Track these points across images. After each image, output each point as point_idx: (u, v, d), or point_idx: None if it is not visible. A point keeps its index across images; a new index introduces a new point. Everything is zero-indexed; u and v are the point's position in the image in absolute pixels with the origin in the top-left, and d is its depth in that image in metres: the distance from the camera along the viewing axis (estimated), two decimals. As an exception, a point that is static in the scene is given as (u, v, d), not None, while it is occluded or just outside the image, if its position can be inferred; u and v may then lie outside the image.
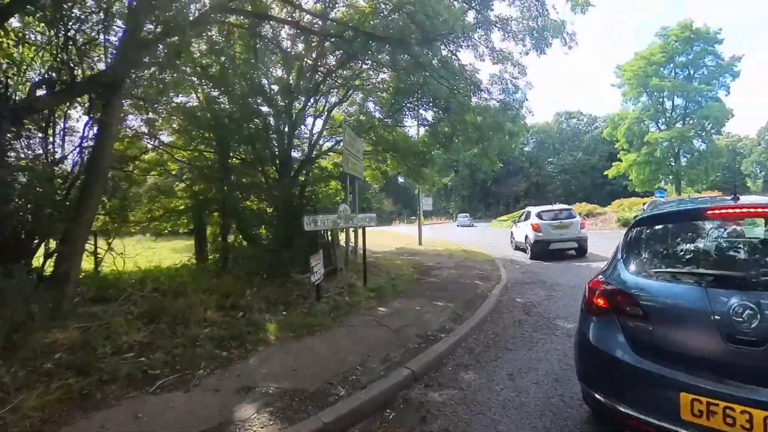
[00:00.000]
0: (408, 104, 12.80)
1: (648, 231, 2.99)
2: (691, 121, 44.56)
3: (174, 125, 9.54)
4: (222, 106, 9.32)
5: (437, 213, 67.89)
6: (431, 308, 6.37)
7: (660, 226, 3.00)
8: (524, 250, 14.33)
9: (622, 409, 2.43)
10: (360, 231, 8.36)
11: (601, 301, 2.74)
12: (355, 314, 6.04)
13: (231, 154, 9.80)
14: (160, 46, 8.24)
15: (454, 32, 7.75)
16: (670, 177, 45.77)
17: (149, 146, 9.59)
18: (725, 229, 2.89)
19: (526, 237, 13.80)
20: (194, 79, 8.77)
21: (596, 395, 2.63)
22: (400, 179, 49.01)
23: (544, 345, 4.89)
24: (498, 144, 12.37)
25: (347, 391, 3.53)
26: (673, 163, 44.95)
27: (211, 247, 9.76)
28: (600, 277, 2.93)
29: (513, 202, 66.61)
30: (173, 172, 9.98)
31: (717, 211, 2.67)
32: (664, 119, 46.79)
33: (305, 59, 10.25)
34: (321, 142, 12.46)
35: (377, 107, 13.65)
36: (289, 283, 7.43)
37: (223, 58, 8.75)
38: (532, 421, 3.18)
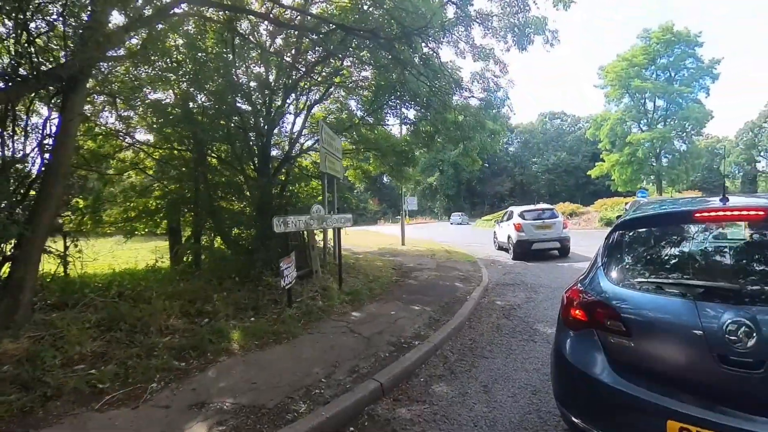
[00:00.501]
0: (389, 102, 12.57)
1: (630, 235, 2.71)
2: (672, 122, 45.41)
3: (150, 122, 9.19)
4: (199, 102, 8.99)
5: (422, 212, 67.86)
6: (407, 313, 6.14)
7: (643, 230, 2.72)
8: (507, 250, 14.24)
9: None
10: (336, 232, 8.08)
11: (579, 314, 2.50)
12: (326, 320, 5.79)
13: (208, 153, 9.47)
14: (135, 39, 7.96)
15: (433, 27, 7.54)
16: (652, 177, 46.54)
17: (125, 144, 9.22)
18: (715, 234, 2.59)
19: (509, 237, 13.75)
20: (170, 75, 8.43)
21: (573, 418, 2.39)
22: (386, 179, 48.89)
23: (522, 352, 4.70)
24: (480, 143, 12.19)
25: (308, 407, 3.28)
26: (654, 164, 45.71)
27: (184, 248, 9.42)
28: (578, 285, 2.67)
29: (498, 201, 66.91)
30: (149, 171, 9.62)
31: (706, 214, 2.39)
32: (645, 120, 47.56)
33: (284, 55, 9.95)
34: (301, 140, 12.17)
35: (359, 105, 13.40)
36: (262, 287, 7.15)
37: (199, 54, 8.43)
38: (505, 439, 2.97)
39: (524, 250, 12.79)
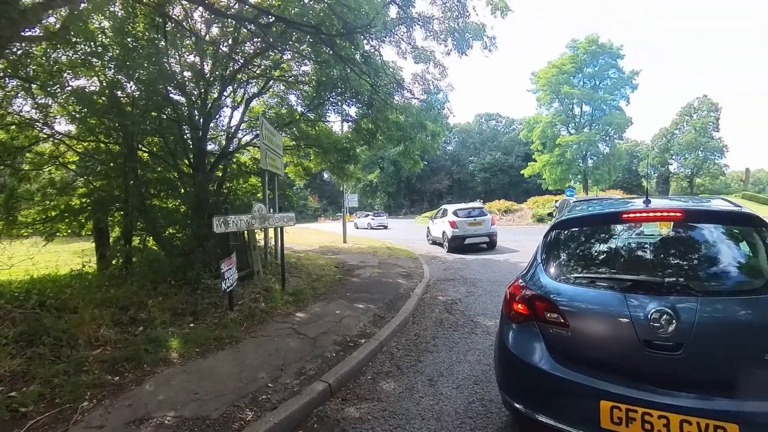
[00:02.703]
0: (331, 99, 12.45)
1: (566, 233, 2.94)
2: (597, 127, 48.98)
3: (71, 112, 8.41)
4: (128, 92, 8.38)
5: (363, 209, 67.99)
6: (352, 311, 6.14)
7: (577, 229, 2.96)
8: (441, 245, 15.26)
9: (541, 419, 2.37)
10: (279, 231, 7.89)
11: (520, 307, 2.68)
12: (270, 322, 5.64)
13: (139, 146, 8.88)
14: (53, 18, 7.26)
15: (375, 26, 7.56)
16: (579, 177, 49.95)
17: (43, 135, 8.38)
18: (638, 232, 2.93)
19: (444, 233, 14.80)
20: (94, 60, 7.79)
21: (515, 404, 2.56)
22: (326, 175, 48.35)
23: (464, 344, 4.86)
24: (420, 143, 12.39)
25: (255, 414, 3.18)
26: (581, 164, 49.11)
27: (113, 250, 8.76)
28: (520, 281, 2.87)
29: (436, 198, 68.51)
30: (72, 166, 8.83)
31: (632, 215, 2.67)
32: (573, 124, 50.87)
33: (221, 45, 9.53)
34: (240, 135, 11.73)
35: (300, 100, 13.14)
36: (201, 290, 6.83)
37: (128, 39, 7.87)
38: (451, 430, 3.06)
39: (458, 245, 13.98)
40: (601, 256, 2.81)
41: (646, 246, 2.79)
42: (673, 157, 66.61)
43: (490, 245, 14.40)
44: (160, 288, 6.83)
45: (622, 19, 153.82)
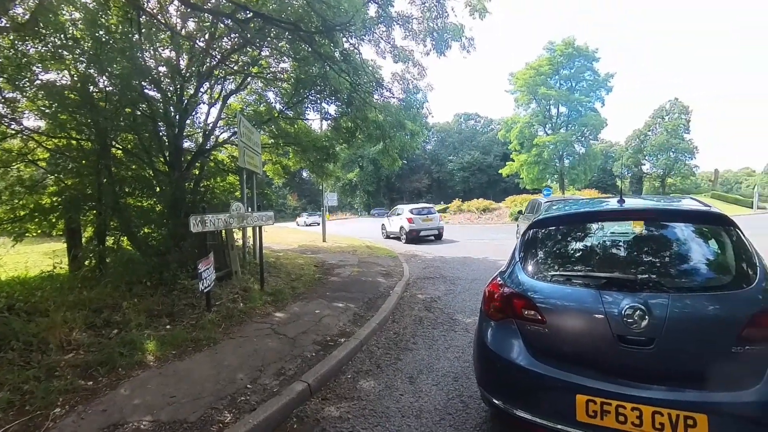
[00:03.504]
0: (310, 96, 12.36)
1: (543, 232, 3.01)
2: (573, 128, 50.05)
3: (41, 107, 8.11)
4: (100, 87, 8.13)
5: (342, 208, 67.77)
6: (331, 310, 6.12)
7: (554, 228, 3.03)
8: (398, 238, 18.78)
9: (519, 414, 2.43)
10: (258, 230, 7.80)
11: (498, 305, 2.75)
12: (249, 323, 5.58)
13: (112, 143, 8.64)
14: (20, 9, 6.98)
15: (354, 24, 7.53)
16: (556, 176, 50.91)
17: (11, 131, 8.04)
18: (614, 232, 3.04)
19: (402, 227, 18.36)
20: (65, 53, 7.54)
21: (494, 400, 2.61)
22: (305, 174, 47.94)
23: (444, 342, 4.91)
24: (400, 142, 12.41)
25: (234, 416, 3.14)
26: (558, 164, 50.11)
27: (86, 250, 8.50)
28: (498, 279, 2.93)
29: (416, 197, 68.78)
30: (42, 164, 8.52)
31: (607, 214, 2.85)
32: (550, 124, 51.84)
33: (197, 40, 9.35)
34: (217, 132, 11.51)
35: (278, 98, 13.00)
36: (177, 291, 6.69)
37: (100, 32, 7.64)
38: (431, 427, 3.08)
39: (414, 236, 17.71)
40: (577, 254, 2.90)
41: (620, 244, 2.89)
42: (646, 157, 68.44)
43: (438, 237, 18.33)
44: (135, 289, 6.69)
45: (599, 20, 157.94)
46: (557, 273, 2.71)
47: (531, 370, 2.42)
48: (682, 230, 2.67)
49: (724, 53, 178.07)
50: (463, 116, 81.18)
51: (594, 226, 3.00)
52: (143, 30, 8.23)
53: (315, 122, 15.78)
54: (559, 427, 2.26)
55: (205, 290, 5.68)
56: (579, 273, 2.67)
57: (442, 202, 49.86)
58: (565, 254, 2.93)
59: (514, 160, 51.83)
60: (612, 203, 3.02)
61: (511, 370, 2.51)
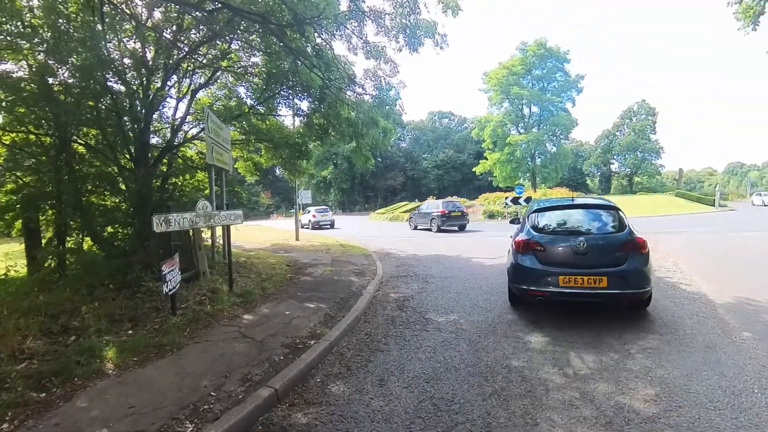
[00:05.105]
0: (281, 92, 12.12)
1: (539, 213, 6.12)
2: (544, 127, 51.05)
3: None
4: (61, 79, 7.73)
5: (317, 206, 67.14)
6: (302, 311, 5.97)
7: (543, 211, 6.15)
8: (307, 228, 28.00)
9: (533, 289, 5.39)
10: (227, 229, 7.56)
11: (522, 245, 5.68)
12: (216, 326, 5.38)
13: (73, 138, 8.24)
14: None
15: (326, 17, 7.37)
16: (528, 174, 51.77)
17: None
18: (571, 213, 6.02)
19: (309, 220, 29.24)
20: (22, 42, 7.12)
21: (522, 286, 5.57)
22: (278, 171, 47.19)
23: (416, 342, 4.85)
24: (372, 140, 12.28)
25: (195, 427, 2.98)
26: (530, 163, 50.94)
27: (45, 252, 8.07)
28: (520, 236, 5.88)
29: (390, 195, 68.72)
30: (-1, 159, 8.08)
31: (567, 206, 6.13)
32: (523, 124, 52.68)
33: (164, 31, 9.00)
34: (185, 127, 11.13)
35: (250, 93, 12.67)
36: (141, 293, 6.42)
37: (60, 21, 7.25)
38: (401, 432, 3.01)
39: (314, 226, 28.41)
40: (555, 221, 5.94)
41: (574, 217, 5.94)
42: (615, 157, 70.43)
43: (332, 226, 29.40)
44: (96, 292, 6.41)
45: (574, 21, 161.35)
46: (548, 230, 5.79)
47: (540, 269, 5.39)
48: (598, 211, 5.86)
49: (697, 53, 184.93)
50: (438, 114, 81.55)
51: (561, 210, 6.11)
52: (106, 19, 7.85)
53: (288, 119, 15.49)
54: (551, 289, 5.24)
55: (170, 293, 5.46)
56: (558, 229, 5.79)
57: (416, 200, 49.97)
58: (550, 222, 5.94)
59: (487, 159, 52.48)
60: (569, 200, 6.32)
61: (530, 271, 5.46)
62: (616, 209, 5.69)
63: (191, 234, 7.83)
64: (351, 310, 5.95)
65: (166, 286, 5.32)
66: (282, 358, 4.24)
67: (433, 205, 22.60)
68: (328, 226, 28.75)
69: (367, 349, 4.66)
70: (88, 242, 8.32)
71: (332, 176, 66.90)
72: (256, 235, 22.01)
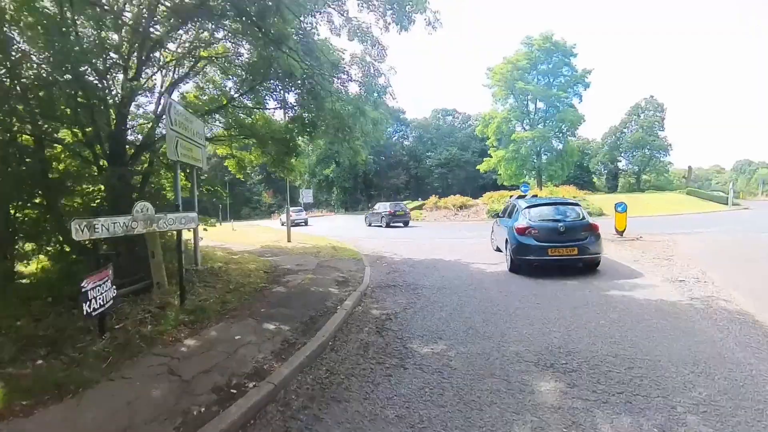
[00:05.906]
0: (267, 83, 11.17)
1: (531, 208, 9.44)
2: (550, 124, 49.69)
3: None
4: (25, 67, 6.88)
5: (319, 205, 66.28)
6: (257, 336, 4.94)
7: (534, 206, 9.54)
8: (284, 224, 24.24)
9: (529, 258, 8.61)
10: (178, 234, 6.57)
11: (522, 229, 8.74)
12: (146, 354, 4.38)
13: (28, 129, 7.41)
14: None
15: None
16: (533, 172, 50.42)
17: None
18: (553, 209, 9.48)
19: (288, 219, 24.17)
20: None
21: (523, 257, 8.67)
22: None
23: (386, 387, 3.73)
24: (361, 132, 11.26)
25: None
26: (536, 160, 49.58)
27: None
28: (518, 222, 8.99)
29: (394, 194, 67.40)
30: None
31: (550, 203, 10.29)
32: (528, 120, 51.33)
33: (140, 20, 8.08)
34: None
35: (235, 85, 11.74)
36: (79, 309, 5.48)
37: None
38: None
39: (291, 224, 21.73)
40: (543, 214, 9.24)
41: (553, 210, 9.40)
42: (622, 154, 68.69)
43: (306, 223, 34.33)
44: (32, 307, 5.57)
45: (581, 16, 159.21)
46: (539, 220, 8.98)
47: (535, 245, 8.53)
48: (572, 207, 9.50)
49: (706, 47, 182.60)
50: (442, 112, 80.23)
51: (545, 206, 9.67)
52: (75, 5, 6.91)
53: (278, 114, 14.50)
54: (541, 258, 8.48)
55: (95, 314, 4.51)
56: (547, 218, 9.03)
57: (419, 199, 48.92)
58: (539, 213, 9.21)
59: (491, 156, 51.28)
60: (549, 199, 11.71)
61: (528, 246, 8.58)
62: (578, 205, 9.72)
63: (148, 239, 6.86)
64: (317, 334, 4.92)
65: (88, 306, 4.37)
66: (203, 409, 3.20)
67: (383, 207, 27.76)
68: (303, 224, 33.91)
69: (320, 397, 3.56)
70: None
71: (334, 175, 65.84)
72: (251, 236, 21.26)
